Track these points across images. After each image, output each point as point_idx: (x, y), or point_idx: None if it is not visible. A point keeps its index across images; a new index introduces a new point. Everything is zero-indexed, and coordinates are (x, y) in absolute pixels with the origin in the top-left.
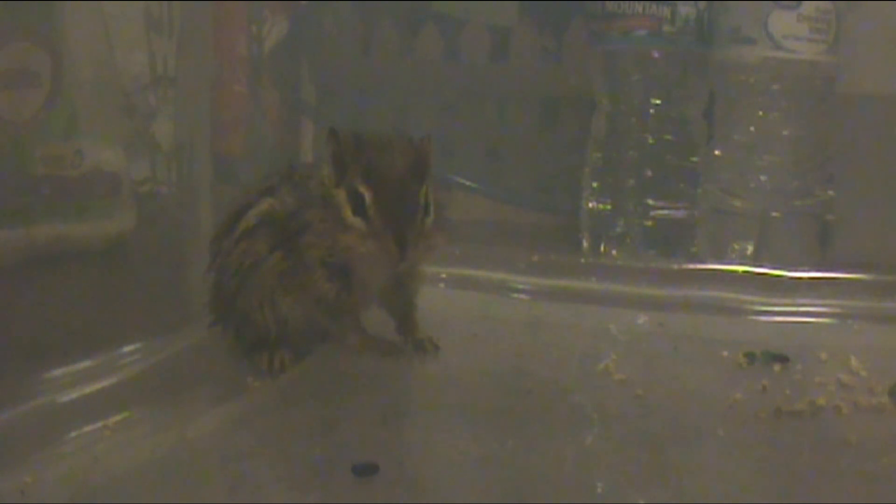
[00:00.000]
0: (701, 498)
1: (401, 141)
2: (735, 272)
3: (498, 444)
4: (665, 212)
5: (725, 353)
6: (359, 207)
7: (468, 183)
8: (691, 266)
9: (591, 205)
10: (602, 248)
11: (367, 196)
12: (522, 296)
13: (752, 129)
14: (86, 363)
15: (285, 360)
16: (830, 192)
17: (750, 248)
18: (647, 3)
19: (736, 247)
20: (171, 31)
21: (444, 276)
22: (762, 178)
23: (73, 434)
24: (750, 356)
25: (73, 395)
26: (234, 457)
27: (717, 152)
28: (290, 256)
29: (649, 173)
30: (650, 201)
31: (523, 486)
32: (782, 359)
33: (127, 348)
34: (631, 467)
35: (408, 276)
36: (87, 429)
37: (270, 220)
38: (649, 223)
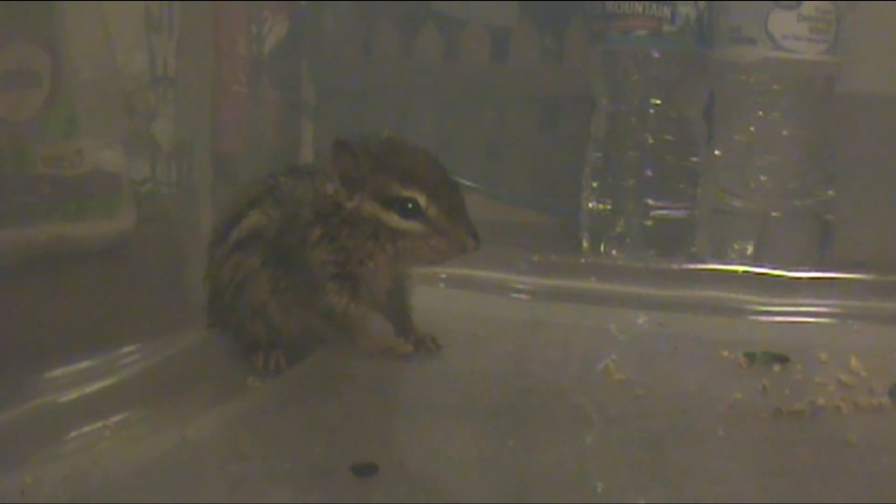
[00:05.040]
0: (701, 498)
1: (402, 141)
2: (735, 272)
3: (498, 444)
4: (665, 212)
5: (725, 353)
6: (411, 211)
7: (468, 183)
8: (691, 266)
9: (591, 205)
10: (602, 248)
11: (421, 198)
12: (522, 296)
13: (752, 129)
14: (86, 363)
15: (281, 361)
16: (830, 192)
17: (750, 248)
18: (647, 3)
19: (736, 247)
20: (171, 31)
21: (444, 276)
22: (762, 178)
23: (73, 434)
24: (750, 356)
25: (73, 395)
26: (234, 457)
27: (717, 152)
28: (287, 274)
29: (649, 173)
30: (650, 201)
31: (523, 486)
32: (782, 359)
33: (127, 348)
34: (631, 467)
35: (405, 277)
36: (87, 429)
37: (260, 234)
38: (649, 223)
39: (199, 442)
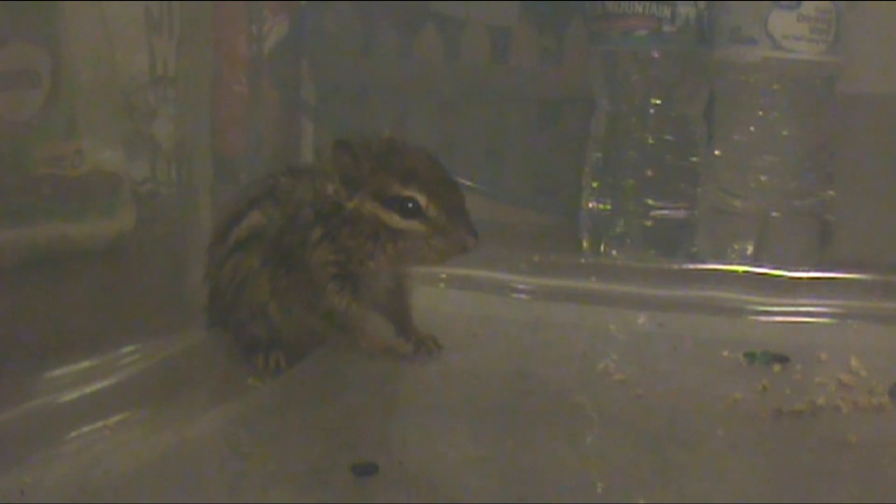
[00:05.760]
0: (701, 498)
1: (402, 141)
2: (735, 272)
3: (498, 444)
4: (665, 212)
5: (725, 353)
6: (411, 211)
7: (468, 183)
8: (691, 266)
9: (591, 205)
10: (602, 248)
11: (422, 198)
12: (522, 296)
13: (752, 129)
14: (86, 363)
15: (280, 361)
16: (830, 192)
17: (750, 248)
18: (647, 3)
19: (736, 247)
20: (171, 31)
21: (444, 276)
22: (762, 178)
23: (73, 434)
24: (750, 356)
25: (73, 395)
26: (234, 457)
27: (717, 152)
28: (288, 274)
29: (649, 173)
30: (650, 201)
31: (523, 486)
32: (782, 359)
33: (127, 348)
34: (631, 467)
35: (405, 277)
36: (87, 429)
37: (260, 234)
38: (649, 223)
39: (199, 442)
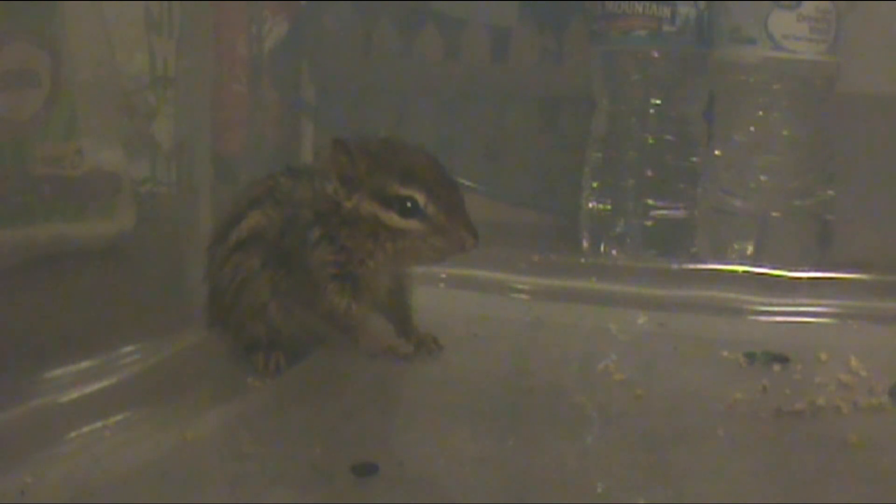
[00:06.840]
0: (701, 498)
1: (400, 141)
2: (735, 272)
3: (498, 444)
4: (665, 212)
5: (725, 353)
6: (410, 210)
7: (468, 183)
8: (691, 266)
9: (591, 205)
10: (602, 248)
11: (420, 197)
12: (522, 296)
13: (752, 129)
14: (86, 363)
15: (280, 361)
16: (830, 192)
17: (750, 248)
18: (647, 3)
19: (736, 247)
20: (171, 31)
21: (444, 276)
22: (762, 178)
23: (73, 434)
24: (750, 356)
25: (73, 395)
26: (234, 457)
27: (717, 152)
28: (288, 275)
29: (649, 173)
30: (650, 201)
31: (523, 486)
32: (782, 359)
33: (127, 348)
34: (631, 467)
35: (405, 277)
36: (87, 429)
37: (260, 235)
38: (649, 223)
39: (199, 441)
